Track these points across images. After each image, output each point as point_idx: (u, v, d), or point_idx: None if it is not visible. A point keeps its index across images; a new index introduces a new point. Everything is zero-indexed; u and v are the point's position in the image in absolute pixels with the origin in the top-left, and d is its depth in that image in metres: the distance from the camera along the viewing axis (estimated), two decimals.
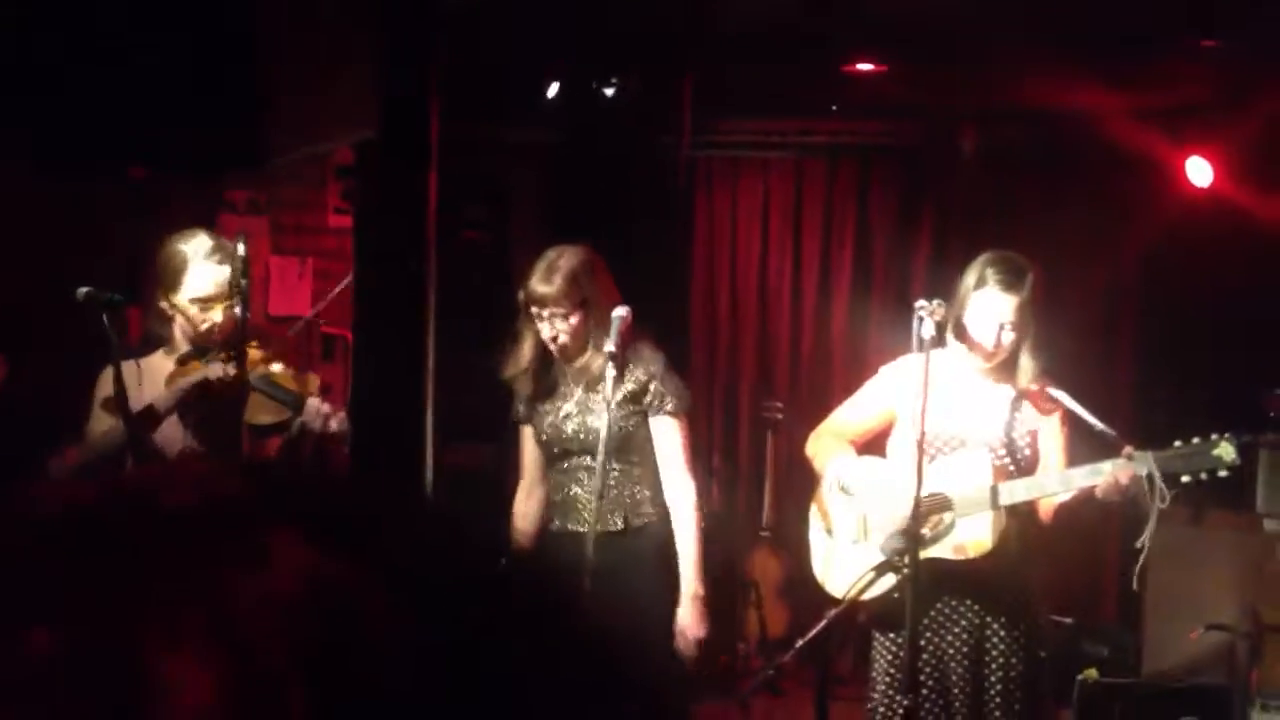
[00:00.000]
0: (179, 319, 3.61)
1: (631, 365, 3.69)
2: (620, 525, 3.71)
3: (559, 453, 3.80)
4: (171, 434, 3.59)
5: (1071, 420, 3.56)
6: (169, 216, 3.70)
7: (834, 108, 7.00)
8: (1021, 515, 3.51)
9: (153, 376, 3.62)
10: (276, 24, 3.13)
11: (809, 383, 7.23)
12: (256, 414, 3.58)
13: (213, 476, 0.61)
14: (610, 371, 3.55)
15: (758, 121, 7.20)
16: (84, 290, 3.44)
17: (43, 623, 0.54)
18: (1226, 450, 3.33)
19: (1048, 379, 3.59)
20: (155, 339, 3.68)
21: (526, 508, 3.94)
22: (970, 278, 3.53)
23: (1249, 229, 6.33)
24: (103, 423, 3.54)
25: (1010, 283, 3.48)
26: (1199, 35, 5.46)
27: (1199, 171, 6.45)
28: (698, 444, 7.43)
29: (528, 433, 3.92)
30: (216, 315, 3.58)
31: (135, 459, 3.45)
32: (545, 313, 3.70)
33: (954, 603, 3.57)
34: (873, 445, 3.75)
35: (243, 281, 3.45)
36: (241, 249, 3.47)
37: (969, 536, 3.47)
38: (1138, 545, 3.42)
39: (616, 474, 3.72)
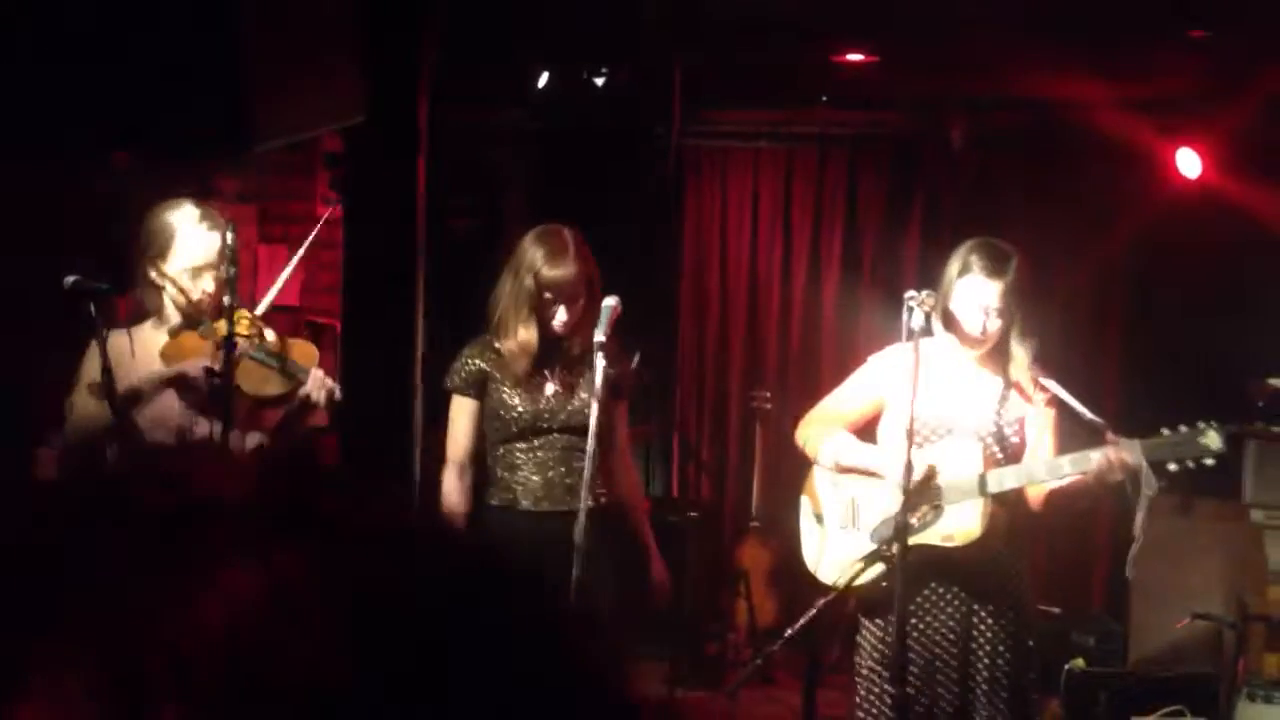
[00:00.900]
0: (169, 289, 3.58)
1: (608, 352, 3.69)
2: (591, 503, 3.73)
3: (522, 431, 3.74)
4: (168, 409, 3.56)
5: (1060, 408, 3.57)
6: (163, 201, 3.69)
7: (823, 98, 7.00)
8: (1009, 503, 3.52)
9: (145, 348, 3.59)
10: (265, 9, 3.12)
11: (798, 373, 7.23)
12: (258, 386, 3.55)
13: (192, 474, 0.59)
14: (600, 361, 3.54)
15: (747, 112, 7.20)
16: (71, 279, 3.42)
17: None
18: (1213, 438, 3.35)
19: (1038, 367, 3.60)
20: (143, 311, 3.65)
21: (460, 486, 3.80)
22: (954, 265, 3.54)
23: (1237, 220, 6.34)
24: (88, 406, 3.52)
25: (994, 268, 3.49)
26: (1188, 26, 5.46)
27: (1188, 162, 6.46)
28: (687, 434, 7.46)
29: (470, 407, 3.79)
30: (208, 283, 3.56)
31: (119, 441, 3.44)
32: (563, 296, 3.67)
33: (941, 590, 3.58)
34: (861, 434, 3.76)
35: (231, 270, 3.44)
36: (230, 237, 3.46)
37: (957, 524, 3.48)
38: (1135, 534, 3.43)
39: (587, 455, 3.73)
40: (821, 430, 3.73)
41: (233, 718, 0.52)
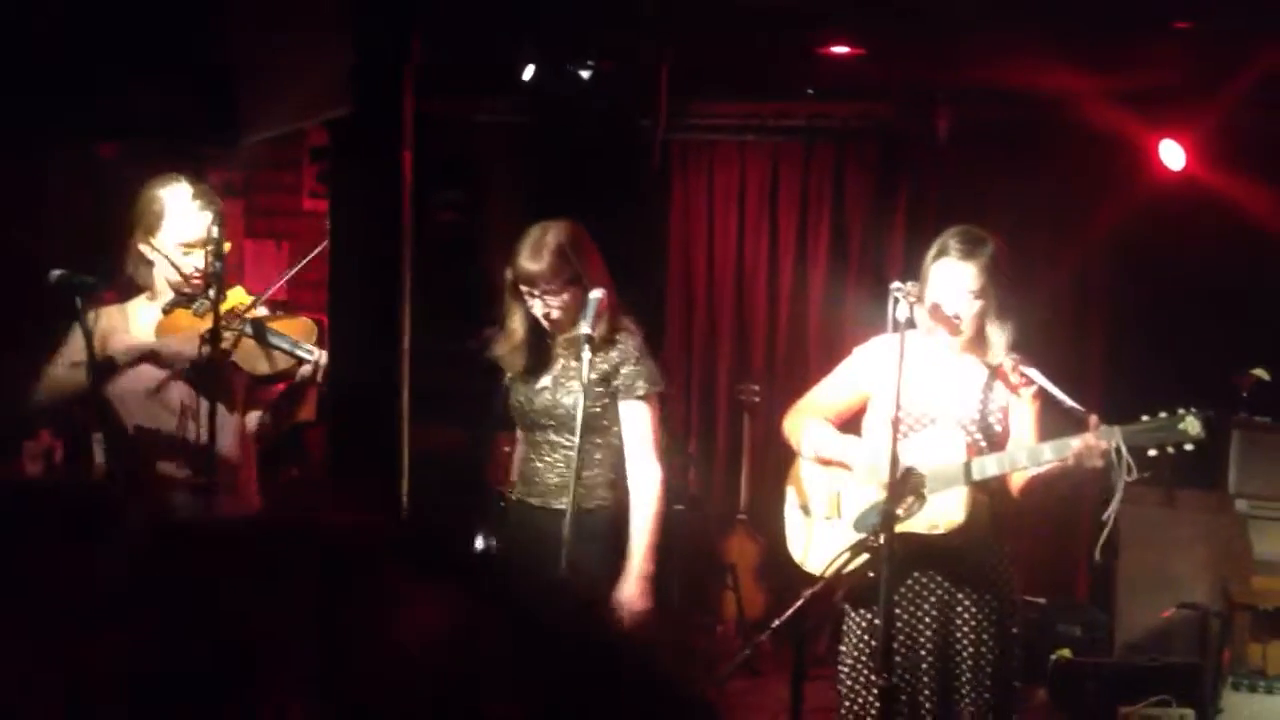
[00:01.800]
0: (160, 264, 3.58)
1: (607, 347, 3.69)
2: (580, 505, 3.71)
3: (527, 424, 3.82)
4: (142, 382, 3.56)
5: (1042, 396, 3.60)
6: (149, 179, 3.68)
7: (810, 90, 7.01)
8: (992, 490, 3.54)
9: (139, 322, 3.60)
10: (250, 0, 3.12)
11: (786, 365, 7.24)
12: (256, 363, 3.55)
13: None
14: (586, 354, 3.55)
15: (733, 104, 7.20)
16: (57, 273, 3.41)
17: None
18: (1192, 424, 3.38)
19: (1018, 355, 3.62)
20: (134, 288, 3.65)
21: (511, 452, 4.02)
22: (932, 250, 3.58)
23: (1220, 211, 6.37)
24: (59, 374, 3.52)
25: (968, 251, 3.51)
26: (1172, 17, 5.48)
27: (1172, 154, 6.48)
28: (675, 427, 7.46)
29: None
30: (199, 260, 3.56)
31: (98, 420, 3.44)
32: (537, 290, 3.70)
33: (924, 579, 3.60)
34: (848, 426, 3.77)
35: (217, 265, 3.43)
36: (216, 231, 3.45)
37: (941, 512, 3.49)
38: (1104, 519, 3.46)
39: (576, 453, 3.72)
40: (805, 422, 3.74)
41: None
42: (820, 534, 3.69)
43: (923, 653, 3.59)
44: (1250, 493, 5.61)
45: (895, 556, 3.28)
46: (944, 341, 3.62)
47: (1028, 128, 6.80)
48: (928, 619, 3.60)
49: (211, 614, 0.56)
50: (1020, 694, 3.82)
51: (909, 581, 3.59)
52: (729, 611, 6.70)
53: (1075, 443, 3.41)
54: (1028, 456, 3.49)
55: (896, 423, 3.32)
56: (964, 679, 3.58)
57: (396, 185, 4.57)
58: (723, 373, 7.40)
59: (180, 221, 3.55)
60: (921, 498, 3.51)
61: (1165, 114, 6.44)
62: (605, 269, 3.75)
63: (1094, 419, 3.43)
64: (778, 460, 3.87)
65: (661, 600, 4.11)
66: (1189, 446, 3.39)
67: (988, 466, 3.49)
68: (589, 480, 3.73)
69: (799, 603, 3.40)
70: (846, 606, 3.68)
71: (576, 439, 3.53)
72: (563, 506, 3.56)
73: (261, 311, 3.59)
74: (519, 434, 3.91)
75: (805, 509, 3.74)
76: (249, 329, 3.52)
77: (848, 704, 3.66)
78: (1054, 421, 3.58)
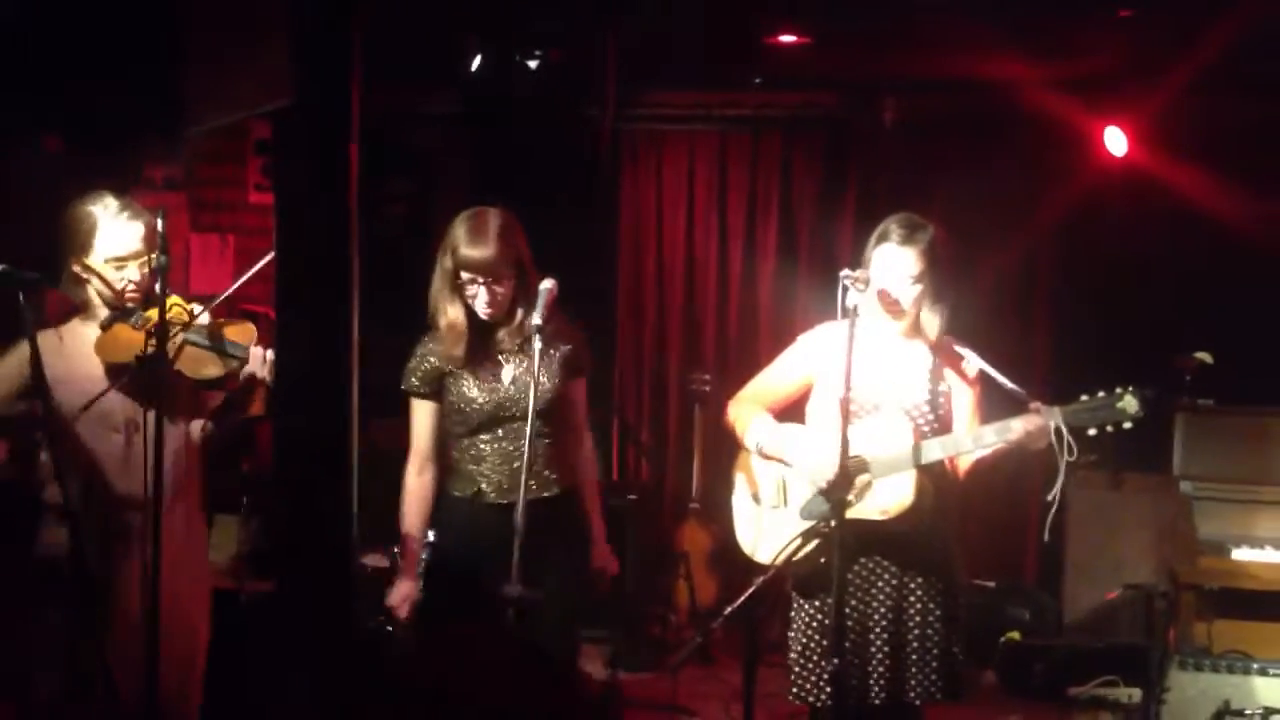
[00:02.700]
0: (94, 281, 3.55)
1: (553, 332, 3.67)
2: (544, 493, 3.72)
3: (477, 421, 3.72)
4: (111, 402, 3.52)
5: (983, 379, 3.64)
6: (85, 193, 3.64)
7: (757, 80, 7.02)
8: (937, 474, 3.58)
9: (76, 345, 3.56)
10: None
11: (736, 354, 7.27)
12: (199, 368, 3.53)
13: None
14: (538, 344, 3.53)
15: (681, 94, 7.21)
16: None
17: None
18: (1130, 403, 3.43)
19: (953, 337, 3.66)
20: (71, 307, 3.61)
21: (420, 483, 3.77)
22: (874, 236, 3.62)
23: (1163, 196, 6.45)
24: (12, 402, 3.48)
25: (907, 235, 3.56)
26: (1115, 5, 5.53)
27: (1115, 141, 6.55)
28: (627, 417, 7.47)
29: (429, 408, 3.76)
30: (132, 273, 3.54)
31: (49, 438, 3.40)
32: (481, 279, 3.63)
33: (871, 564, 3.63)
34: (792, 412, 3.79)
35: (162, 258, 3.39)
36: (159, 225, 3.42)
37: (889, 496, 3.52)
38: (1049, 499, 3.51)
39: (544, 442, 3.71)
40: (749, 410, 3.75)
41: None
42: (769, 522, 3.71)
43: (871, 636, 3.62)
44: (1194, 474, 5.69)
45: (846, 542, 3.30)
46: (888, 327, 3.65)
47: (973, 116, 6.85)
48: (876, 603, 3.63)
49: None
50: (967, 676, 3.86)
51: (856, 567, 3.62)
52: (682, 600, 6.72)
53: (1017, 424, 3.45)
54: (972, 440, 3.53)
55: (847, 405, 3.34)
56: (912, 660, 3.61)
57: (344, 177, 4.54)
58: (673, 362, 7.41)
59: (110, 237, 3.52)
60: (869, 484, 3.54)
61: (1108, 101, 6.51)
62: (531, 256, 3.73)
63: (1034, 401, 3.48)
64: (730, 449, 3.88)
65: (616, 588, 4.12)
66: (1128, 425, 3.44)
67: (932, 450, 3.52)
68: (546, 467, 3.73)
69: (751, 590, 3.42)
70: (795, 595, 3.70)
71: (531, 427, 3.49)
72: (516, 499, 3.52)
73: (204, 319, 3.57)
74: (455, 431, 3.76)
75: (755, 497, 3.76)
76: (192, 336, 3.50)
77: (796, 689, 3.69)
78: (996, 404, 3.62)
